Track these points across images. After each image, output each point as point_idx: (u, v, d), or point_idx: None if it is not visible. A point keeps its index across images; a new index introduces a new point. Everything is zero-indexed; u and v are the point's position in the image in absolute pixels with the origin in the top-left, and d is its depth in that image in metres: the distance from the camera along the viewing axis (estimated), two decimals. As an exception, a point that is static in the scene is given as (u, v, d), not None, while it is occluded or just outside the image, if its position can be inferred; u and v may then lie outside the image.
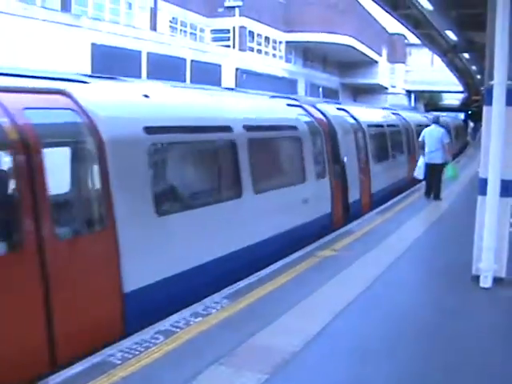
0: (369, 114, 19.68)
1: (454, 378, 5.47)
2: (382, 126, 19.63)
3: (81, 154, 7.00)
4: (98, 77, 8.53)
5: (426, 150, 16.03)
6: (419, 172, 16.55)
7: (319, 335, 6.27)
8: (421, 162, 16.49)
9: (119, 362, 5.49)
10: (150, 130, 7.34)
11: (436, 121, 16.91)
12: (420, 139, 16.64)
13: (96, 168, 6.68)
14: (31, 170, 5.72)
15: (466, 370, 5.62)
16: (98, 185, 6.71)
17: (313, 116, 13.12)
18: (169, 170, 8.54)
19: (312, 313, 6.97)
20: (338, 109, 15.82)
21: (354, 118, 16.28)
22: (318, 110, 13.84)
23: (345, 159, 14.02)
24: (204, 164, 9.56)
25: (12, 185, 5.80)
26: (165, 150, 8.11)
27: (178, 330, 6.33)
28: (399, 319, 6.97)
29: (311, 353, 5.86)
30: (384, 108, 26.06)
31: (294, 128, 11.80)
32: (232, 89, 17.55)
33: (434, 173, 15.98)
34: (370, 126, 17.28)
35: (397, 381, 5.40)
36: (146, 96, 7.89)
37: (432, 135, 16.08)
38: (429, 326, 6.76)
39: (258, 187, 9.67)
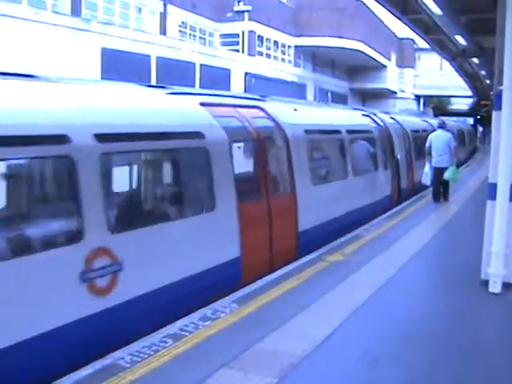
0: (410, 121, 23.95)
1: (463, 383, 5.47)
2: (419, 131, 23.55)
3: (277, 145, 10.85)
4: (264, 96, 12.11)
5: (433, 154, 16.26)
6: (426, 178, 16.80)
7: (328, 339, 6.28)
8: (427, 168, 16.66)
9: (128, 365, 5.51)
10: (307, 131, 11.62)
11: (442, 125, 17.15)
12: (427, 144, 16.76)
13: (285, 154, 10.68)
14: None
15: (474, 375, 5.61)
16: (287, 165, 10.67)
17: (376, 123, 17.48)
18: (315, 157, 12.67)
19: (320, 317, 6.97)
20: (390, 117, 20.09)
21: (400, 125, 20.41)
22: (379, 119, 18.09)
23: (398, 156, 18.33)
24: (331, 152, 14.14)
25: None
26: (315, 142, 12.65)
27: (186, 333, 6.34)
28: (408, 324, 6.97)
29: (320, 357, 5.86)
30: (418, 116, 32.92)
31: (369, 132, 16.38)
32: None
33: (441, 176, 16.12)
34: (412, 131, 21.70)
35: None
36: (295, 110, 12.35)
37: (439, 139, 16.34)
38: (437, 331, 6.74)
39: (355, 172, 14.06)
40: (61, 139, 6.02)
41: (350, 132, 14.45)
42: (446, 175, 15.95)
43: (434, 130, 18.23)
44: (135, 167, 8.91)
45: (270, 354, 5.85)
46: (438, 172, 16.11)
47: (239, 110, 9.98)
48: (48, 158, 6.46)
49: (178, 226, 7.69)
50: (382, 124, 17.84)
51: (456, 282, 8.87)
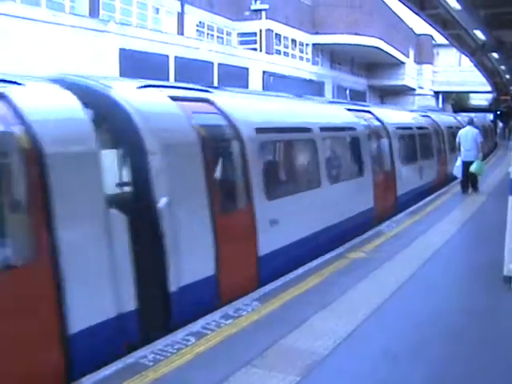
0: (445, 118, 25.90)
1: (486, 381, 5.43)
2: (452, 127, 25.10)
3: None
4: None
5: (462, 149, 17.50)
6: (457, 171, 17.98)
7: (350, 337, 6.26)
8: (458, 161, 17.85)
9: (151, 363, 5.54)
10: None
11: (470, 122, 18.45)
12: (457, 140, 18.01)
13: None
14: None
15: (496, 372, 5.56)
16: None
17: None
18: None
19: (342, 315, 6.95)
20: (421, 115, 22.27)
21: (435, 122, 22.87)
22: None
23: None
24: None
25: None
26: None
27: (209, 332, 6.35)
28: (430, 321, 6.93)
29: (342, 354, 5.85)
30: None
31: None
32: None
33: (469, 169, 17.22)
34: (447, 127, 23.77)
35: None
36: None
37: (467, 135, 17.52)
38: (459, 328, 6.70)
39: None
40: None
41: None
42: (472, 168, 17.00)
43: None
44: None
45: (292, 352, 5.85)
46: (467, 165, 17.23)
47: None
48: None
49: None
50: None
51: (478, 278, 8.82)
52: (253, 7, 38.15)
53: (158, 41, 26.90)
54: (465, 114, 48.81)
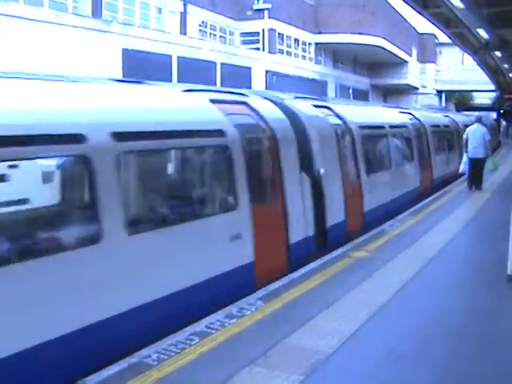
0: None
1: (490, 380, 5.42)
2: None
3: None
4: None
5: (470, 146, 17.69)
6: (464, 167, 18.42)
7: (354, 336, 6.25)
8: (465, 158, 18.25)
9: (155, 363, 5.53)
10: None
11: (479, 120, 18.82)
12: (464, 137, 18.28)
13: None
14: None
15: (501, 372, 5.55)
16: None
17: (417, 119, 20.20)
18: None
19: (346, 314, 6.94)
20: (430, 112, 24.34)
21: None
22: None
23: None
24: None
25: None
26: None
27: (212, 331, 6.35)
28: (434, 320, 6.92)
29: (346, 354, 5.84)
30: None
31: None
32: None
33: (476, 166, 17.66)
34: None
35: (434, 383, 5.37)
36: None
37: (475, 133, 17.76)
38: (463, 328, 6.69)
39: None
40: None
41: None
42: (489, 166, 18.07)
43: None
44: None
45: (296, 351, 5.84)
46: (474, 162, 17.61)
47: None
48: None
49: None
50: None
51: (482, 277, 8.81)
52: (255, 7, 38.17)
53: (160, 41, 26.95)
54: (468, 112, 48.83)
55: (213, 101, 8.40)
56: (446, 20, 19.58)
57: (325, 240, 10.78)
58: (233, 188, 8.24)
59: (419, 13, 18.97)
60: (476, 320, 6.95)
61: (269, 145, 9.48)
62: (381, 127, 15.85)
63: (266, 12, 38.09)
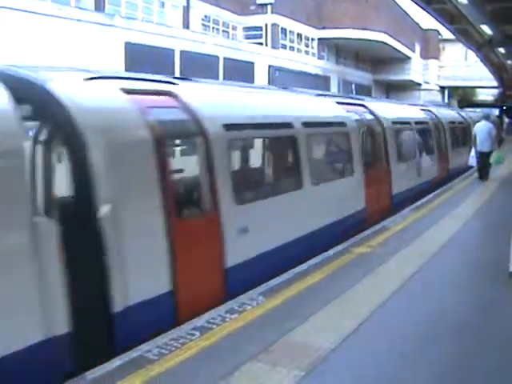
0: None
1: (493, 377, 5.41)
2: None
3: None
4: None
5: (478, 141, 19.44)
6: (472, 160, 20.94)
7: (356, 332, 6.24)
8: (473, 152, 20.35)
9: (156, 357, 5.53)
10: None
11: (486, 117, 20.53)
12: (473, 133, 20.16)
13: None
14: None
15: (502, 369, 5.55)
16: None
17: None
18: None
19: (348, 309, 6.94)
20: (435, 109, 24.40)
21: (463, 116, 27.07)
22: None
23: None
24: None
25: None
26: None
27: (214, 326, 6.34)
28: (436, 317, 6.90)
29: (347, 350, 5.83)
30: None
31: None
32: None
33: (483, 158, 19.48)
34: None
35: (435, 380, 5.36)
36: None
37: (482, 129, 19.47)
38: (465, 325, 6.67)
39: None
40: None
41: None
42: (494, 160, 19.50)
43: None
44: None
45: (297, 347, 5.83)
46: (482, 155, 19.39)
47: None
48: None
49: None
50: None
51: (484, 274, 8.79)
52: (258, 1, 38.14)
53: (163, 35, 26.94)
54: (470, 109, 48.75)
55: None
56: (450, 16, 19.55)
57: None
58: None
59: (423, 8, 18.94)
60: (478, 317, 6.93)
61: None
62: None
63: (269, 7, 38.06)
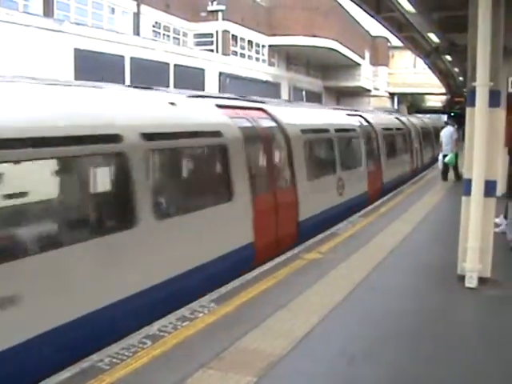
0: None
1: (440, 378, 5.50)
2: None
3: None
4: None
5: (442, 144, 21.59)
6: (439, 163, 22.33)
7: (306, 338, 6.29)
8: (440, 155, 22.05)
9: (107, 367, 5.48)
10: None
11: (448, 123, 23.55)
12: (440, 138, 22.27)
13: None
14: None
15: (452, 370, 5.65)
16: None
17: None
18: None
19: (299, 315, 6.98)
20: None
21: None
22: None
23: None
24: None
25: None
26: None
27: (165, 334, 6.32)
28: (386, 321, 7.00)
29: (299, 355, 5.87)
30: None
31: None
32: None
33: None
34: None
35: (385, 381, 5.43)
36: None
37: (446, 133, 21.76)
38: (415, 328, 6.78)
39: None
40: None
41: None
42: (446, 160, 21.19)
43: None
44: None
45: (249, 353, 5.85)
46: (444, 157, 21.40)
47: None
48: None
49: None
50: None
51: (433, 277, 8.93)
52: (209, 8, 38.09)
53: (113, 41, 26.70)
54: (420, 115, 49.53)
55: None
56: (398, 24, 19.76)
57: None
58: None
59: (372, 16, 19.11)
60: (427, 320, 7.06)
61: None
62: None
63: (220, 13, 38.05)
